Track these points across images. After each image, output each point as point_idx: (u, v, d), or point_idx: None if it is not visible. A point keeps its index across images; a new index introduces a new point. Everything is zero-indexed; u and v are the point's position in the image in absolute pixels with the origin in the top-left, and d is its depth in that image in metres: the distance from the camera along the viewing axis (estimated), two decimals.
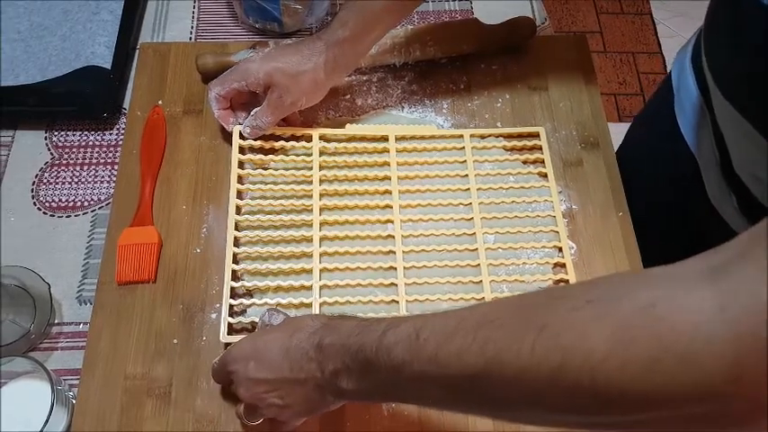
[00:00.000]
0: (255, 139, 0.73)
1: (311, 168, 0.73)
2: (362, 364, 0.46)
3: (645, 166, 0.81)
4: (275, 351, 0.51)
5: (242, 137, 0.73)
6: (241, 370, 0.53)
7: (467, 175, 0.74)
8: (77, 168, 0.78)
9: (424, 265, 0.69)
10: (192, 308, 0.67)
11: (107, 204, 0.75)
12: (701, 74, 0.65)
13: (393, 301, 0.67)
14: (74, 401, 0.62)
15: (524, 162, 0.77)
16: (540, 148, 0.76)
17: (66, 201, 0.75)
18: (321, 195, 0.72)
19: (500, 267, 0.69)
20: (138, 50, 0.85)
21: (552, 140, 0.78)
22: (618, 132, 0.84)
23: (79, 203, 0.75)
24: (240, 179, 0.72)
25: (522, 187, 0.74)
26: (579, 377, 0.35)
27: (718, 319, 0.32)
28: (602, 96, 0.82)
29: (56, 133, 0.80)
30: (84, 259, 0.72)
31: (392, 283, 0.67)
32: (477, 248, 0.70)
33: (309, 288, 0.67)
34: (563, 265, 0.70)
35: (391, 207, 0.72)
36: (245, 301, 0.66)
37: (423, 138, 0.77)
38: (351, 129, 0.76)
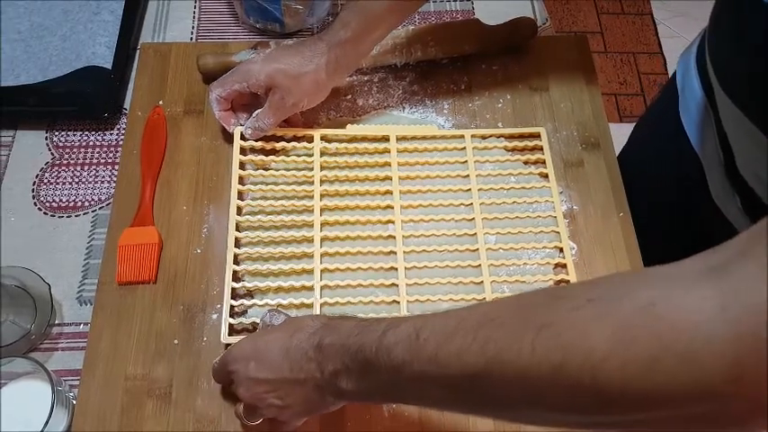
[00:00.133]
0: (257, 140, 0.73)
1: (312, 169, 0.73)
2: (362, 365, 0.46)
3: (649, 166, 0.81)
4: (275, 351, 0.51)
5: (243, 138, 0.73)
6: (241, 370, 0.53)
7: (468, 176, 0.74)
8: (78, 168, 0.78)
9: (425, 266, 0.69)
10: (193, 308, 0.67)
11: (107, 205, 0.75)
12: (705, 74, 0.66)
13: (394, 301, 0.66)
14: (74, 402, 0.62)
15: (525, 162, 0.76)
16: (541, 149, 0.76)
17: (67, 201, 0.75)
18: (322, 196, 0.72)
19: (501, 268, 0.69)
20: (138, 50, 0.85)
21: (553, 141, 0.78)
22: (619, 133, 0.84)
23: (80, 204, 0.75)
24: (241, 180, 0.72)
25: (523, 188, 0.74)
26: (580, 376, 0.35)
27: (718, 318, 0.32)
28: (602, 97, 0.82)
29: (56, 133, 0.80)
30: (85, 260, 0.72)
31: (393, 284, 0.67)
32: (477, 249, 0.70)
33: (310, 288, 0.67)
34: (564, 266, 0.70)
35: (392, 207, 0.72)
36: (246, 302, 0.66)
37: (424, 138, 0.77)
38: (352, 129, 0.76)
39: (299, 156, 0.74)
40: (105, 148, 0.79)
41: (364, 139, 0.76)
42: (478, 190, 0.73)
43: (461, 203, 0.73)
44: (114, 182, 0.75)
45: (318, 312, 0.65)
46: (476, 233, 0.71)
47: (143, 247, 0.69)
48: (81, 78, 0.81)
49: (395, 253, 0.69)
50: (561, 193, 0.74)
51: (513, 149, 0.77)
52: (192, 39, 0.89)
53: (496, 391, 0.40)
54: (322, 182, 0.73)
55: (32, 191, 0.76)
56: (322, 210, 0.71)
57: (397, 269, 0.68)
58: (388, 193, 0.73)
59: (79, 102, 0.80)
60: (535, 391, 0.38)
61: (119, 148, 0.78)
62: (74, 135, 0.80)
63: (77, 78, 0.81)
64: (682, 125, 0.71)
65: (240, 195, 0.71)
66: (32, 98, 0.80)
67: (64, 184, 0.76)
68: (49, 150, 0.79)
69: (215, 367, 0.59)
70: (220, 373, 0.58)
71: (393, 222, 0.71)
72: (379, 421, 0.62)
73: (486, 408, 0.44)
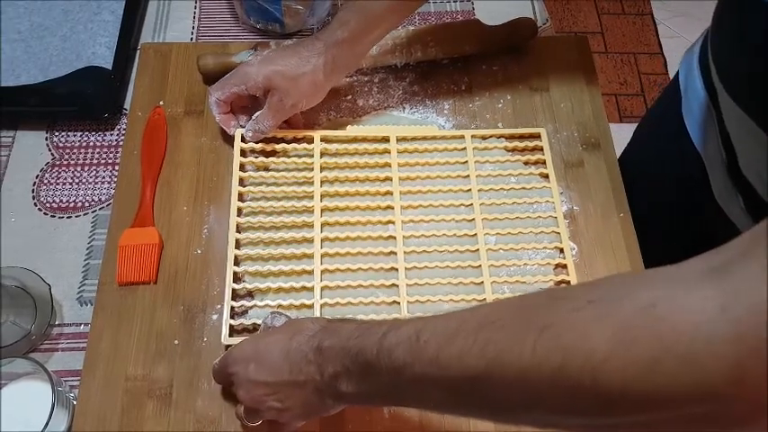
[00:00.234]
0: (257, 142, 0.73)
1: (312, 170, 0.73)
2: (362, 367, 0.46)
3: (650, 166, 0.81)
4: (275, 353, 0.51)
5: (243, 140, 0.73)
6: (241, 371, 0.53)
7: (468, 176, 0.74)
8: (78, 169, 0.78)
9: (426, 266, 0.69)
10: (193, 309, 0.67)
11: (108, 205, 0.75)
12: (707, 74, 0.66)
13: (394, 302, 0.66)
14: (74, 402, 0.62)
15: (525, 163, 0.76)
16: (542, 149, 0.76)
17: (67, 201, 0.75)
18: (322, 197, 0.72)
19: (501, 268, 0.69)
20: (139, 51, 0.85)
21: (553, 141, 0.78)
22: (619, 133, 0.84)
23: (80, 204, 0.75)
24: (241, 181, 0.72)
25: (524, 188, 0.74)
26: (580, 378, 0.35)
27: (719, 319, 0.32)
28: (603, 97, 0.82)
29: (56, 134, 0.80)
30: (85, 260, 0.72)
31: (393, 284, 0.67)
32: (478, 249, 0.70)
33: (310, 289, 0.67)
34: (564, 267, 0.69)
35: (392, 208, 0.72)
36: (247, 303, 0.66)
37: (424, 139, 0.77)
38: (352, 130, 0.76)
39: (299, 157, 0.74)
40: (105, 149, 0.79)
41: (364, 139, 0.76)
42: (479, 190, 0.73)
43: (462, 204, 0.73)
44: (114, 182, 0.75)
45: (318, 313, 0.65)
46: (476, 234, 0.70)
47: (143, 247, 0.69)
48: (81, 78, 0.81)
49: (395, 253, 0.69)
50: (561, 193, 0.74)
51: (514, 150, 0.77)
52: (192, 39, 0.88)
53: (497, 393, 0.40)
54: (322, 183, 0.72)
55: (33, 191, 0.76)
56: (322, 210, 0.71)
57: (397, 270, 0.68)
58: (389, 193, 0.73)
59: (79, 102, 0.80)
60: (536, 393, 0.38)
61: (119, 149, 0.78)
62: (74, 135, 0.80)
63: (78, 78, 0.81)
64: (684, 125, 0.71)
65: (241, 196, 0.71)
66: (33, 98, 0.80)
67: (64, 184, 0.76)
68: (50, 151, 0.79)
69: (215, 368, 0.59)
70: (221, 374, 0.58)
71: (393, 223, 0.71)
72: (380, 422, 0.61)
73: (486, 410, 0.44)
